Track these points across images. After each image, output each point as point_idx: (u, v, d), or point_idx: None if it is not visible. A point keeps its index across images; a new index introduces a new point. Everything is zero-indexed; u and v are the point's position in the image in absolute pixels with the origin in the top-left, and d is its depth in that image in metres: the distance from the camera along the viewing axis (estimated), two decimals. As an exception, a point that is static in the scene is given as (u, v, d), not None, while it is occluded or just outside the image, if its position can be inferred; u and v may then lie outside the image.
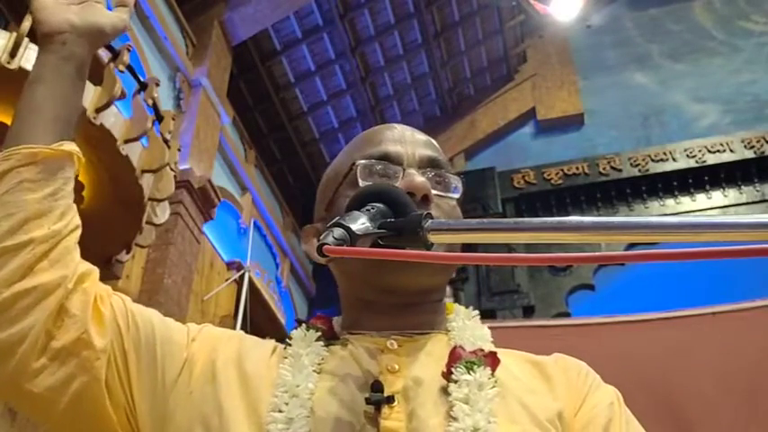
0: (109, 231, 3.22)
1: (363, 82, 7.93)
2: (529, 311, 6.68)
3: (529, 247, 5.82)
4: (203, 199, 5.07)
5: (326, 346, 0.80)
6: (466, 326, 0.82)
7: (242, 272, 5.63)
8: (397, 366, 0.76)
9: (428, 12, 7.92)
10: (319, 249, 0.62)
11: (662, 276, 5.95)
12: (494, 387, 0.73)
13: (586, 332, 2.74)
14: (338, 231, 0.63)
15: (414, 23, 7.95)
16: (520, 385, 0.77)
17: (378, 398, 0.71)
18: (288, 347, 0.80)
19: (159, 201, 3.47)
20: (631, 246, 4.88)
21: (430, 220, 0.65)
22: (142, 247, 3.83)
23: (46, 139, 0.77)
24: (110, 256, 3.55)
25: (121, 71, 3.11)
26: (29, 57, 2.67)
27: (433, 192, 0.83)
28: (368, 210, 0.68)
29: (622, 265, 6.28)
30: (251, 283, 5.60)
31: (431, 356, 0.78)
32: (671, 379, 2.44)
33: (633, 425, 0.79)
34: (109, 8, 0.87)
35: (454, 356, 0.76)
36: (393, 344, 0.78)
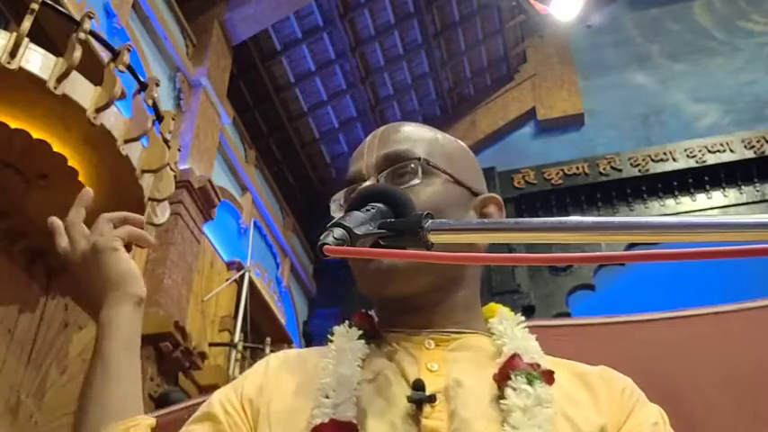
0: (109, 231, 3.21)
1: (363, 82, 7.93)
2: (529, 311, 6.67)
3: (529, 247, 5.83)
4: (203, 199, 5.07)
5: (368, 343, 0.80)
6: (515, 335, 0.80)
7: (242, 272, 5.63)
8: (436, 366, 0.75)
9: (428, 12, 7.92)
10: (320, 249, 0.61)
11: (662, 276, 5.94)
12: (549, 406, 0.71)
13: (587, 332, 2.73)
14: (338, 231, 0.63)
15: (414, 23, 7.95)
16: (564, 396, 0.75)
17: (420, 396, 0.70)
18: (330, 343, 0.80)
19: (159, 201, 3.46)
20: (631, 246, 4.88)
21: (430, 221, 0.64)
22: (142, 247, 3.82)
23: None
24: (110, 256, 3.54)
25: (121, 71, 3.10)
26: (29, 57, 2.66)
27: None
28: (368, 210, 0.68)
29: (622, 265, 6.28)
30: (251, 283, 5.60)
31: (470, 358, 0.78)
32: (672, 379, 2.43)
33: None
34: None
35: (512, 364, 0.75)
36: (430, 343, 0.78)
